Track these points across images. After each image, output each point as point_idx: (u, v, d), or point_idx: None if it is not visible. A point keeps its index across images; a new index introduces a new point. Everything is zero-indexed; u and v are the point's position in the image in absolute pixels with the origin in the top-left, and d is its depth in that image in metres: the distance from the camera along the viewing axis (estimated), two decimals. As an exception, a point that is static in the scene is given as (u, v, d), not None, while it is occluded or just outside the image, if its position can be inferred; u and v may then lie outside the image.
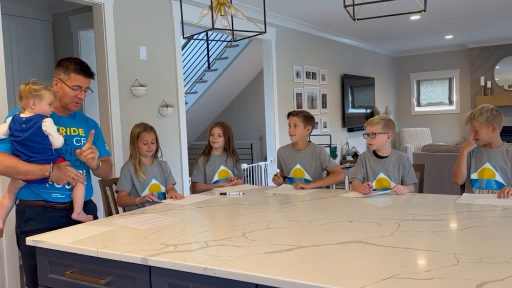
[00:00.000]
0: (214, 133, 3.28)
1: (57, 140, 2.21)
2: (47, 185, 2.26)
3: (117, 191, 2.85)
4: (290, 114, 3.24)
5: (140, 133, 2.85)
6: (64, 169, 2.25)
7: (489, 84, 9.12)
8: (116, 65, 3.85)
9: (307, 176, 3.17)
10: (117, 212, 2.87)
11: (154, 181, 2.86)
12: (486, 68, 9.21)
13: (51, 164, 2.21)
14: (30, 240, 1.96)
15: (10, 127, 2.17)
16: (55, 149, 2.24)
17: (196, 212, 2.46)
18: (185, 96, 5.56)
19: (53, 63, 4.96)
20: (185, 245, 1.76)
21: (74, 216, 2.29)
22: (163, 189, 2.92)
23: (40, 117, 2.18)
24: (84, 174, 2.40)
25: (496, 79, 9.15)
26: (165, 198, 2.92)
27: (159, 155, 3.00)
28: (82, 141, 2.41)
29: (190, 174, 3.44)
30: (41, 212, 2.27)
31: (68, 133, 2.37)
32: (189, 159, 4.64)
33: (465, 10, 6.15)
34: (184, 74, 7.35)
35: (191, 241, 1.83)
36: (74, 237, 1.94)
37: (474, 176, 2.78)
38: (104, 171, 2.49)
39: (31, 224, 2.23)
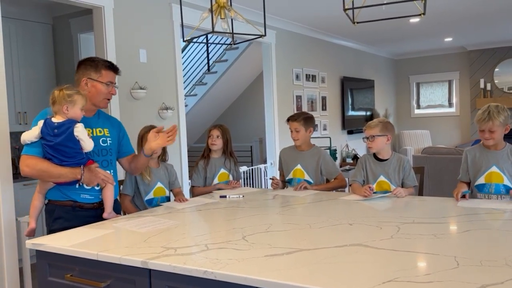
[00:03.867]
0: (212, 134, 3.27)
1: (87, 144, 2.26)
2: (77, 187, 2.31)
3: (121, 194, 2.85)
4: (289, 120, 3.23)
5: (145, 133, 2.85)
6: (95, 171, 2.31)
7: (488, 87, 9.13)
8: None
9: (307, 177, 3.17)
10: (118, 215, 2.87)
11: (159, 184, 2.85)
12: (485, 70, 9.22)
13: (82, 167, 2.26)
14: (30, 243, 1.95)
15: (42, 131, 2.20)
16: (85, 152, 2.28)
17: (196, 215, 2.46)
18: (185, 99, 5.56)
19: (53, 65, 4.97)
20: (185, 248, 1.76)
21: (105, 215, 2.36)
22: (167, 192, 2.92)
23: (72, 122, 2.22)
24: (112, 174, 2.44)
25: (495, 81, 9.16)
26: (169, 201, 2.92)
27: (166, 158, 2.99)
28: (108, 141, 2.46)
29: (190, 177, 3.43)
30: (70, 211, 2.31)
31: (94, 134, 2.42)
32: (189, 161, 4.64)
33: (465, 12, 6.17)
34: (184, 76, 7.35)
35: (191, 244, 1.83)
36: (74, 240, 1.93)
37: (481, 180, 2.67)
38: (142, 164, 2.59)
39: (59, 223, 2.28)
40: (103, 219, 2.36)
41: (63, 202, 2.31)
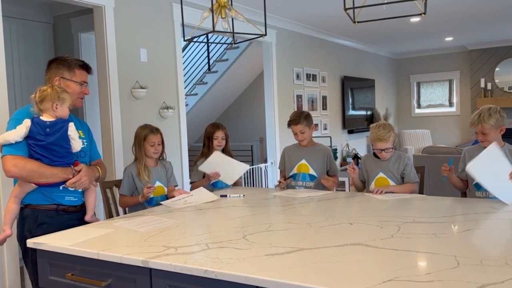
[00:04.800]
0: (218, 136, 3.28)
1: (78, 144, 2.24)
2: (61, 188, 2.27)
3: (120, 195, 2.84)
4: (291, 124, 3.20)
5: (147, 135, 2.83)
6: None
7: (489, 86, 9.13)
8: (116, 67, 3.85)
9: (311, 171, 3.19)
10: (118, 214, 2.87)
11: (158, 183, 2.85)
12: (486, 70, 9.22)
13: (72, 167, 2.23)
14: (30, 242, 1.96)
15: (31, 131, 2.13)
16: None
17: (197, 214, 2.46)
18: (185, 98, 5.57)
19: (54, 65, 4.96)
20: (185, 247, 1.77)
21: (87, 218, 2.33)
22: (167, 190, 2.92)
23: (65, 122, 2.20)
24: None
25: (496, 81, 9.15)
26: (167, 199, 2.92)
27: (164, 156, 2.99)
28: (84, 143, 2.42)
29: (191, 176, 3.45)
30: (54, 215, 2.26)
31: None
32: (189, 160, 4.64)
33: (465, 12, 6.16)
34: (184, 76, 7.35)
35: (192, 243, 1.83)
36: (74, 239, 1.94)
37: None
38: (102, 177, 2.51)
39: (43, 228, 2.20)
40: (86, 223, 2.31)
41: (47, 206, 2.25)
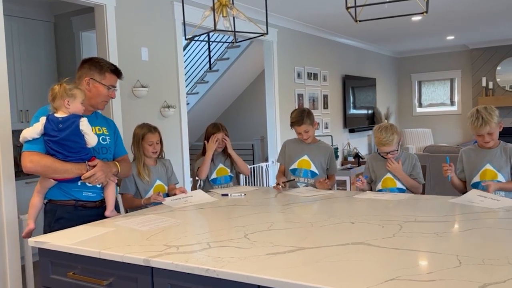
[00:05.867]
0: (219, 138, 3.28)
1: (92, 139, 2.26)
2: (79, 184, 2.30)
3: (121, 194, 2.84)
4: (294, 125, 3.16)
5: (145, 134, 2.82)
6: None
7: (490, 85, 9.12)
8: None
9: (313, 168, 3.17)
10: (118, 213, 2.87)
11: (158, 182, 2.85)
12: (487, 69, 9.21)
13: (87, 162, 2.26)
14: (32, 241, 1.96)
15: (45, 127, 2.19)
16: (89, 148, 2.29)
17: (198, 213, 2.46)
18: (186, 97, 5.57)
19: (55, 64, 4.98)
20: (187, 246, 1.77)
21: (107, 213, 2.37)
22: (167, 189, 2.91)
23: (77, 117, 2.23)
24: None
25: (497, 79, 9.14)
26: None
27: (163, 155, 2.99)
28: (107, 140, 2.48)
29: (192, 175, 3.45)
30: (72, 211, 2.31)
31: (94, 132, 2.40)
32: (190, 159, 4.64)
33: (467, 11, 6.15)
34: (185, 75, 7.35)
35: (193, 242, 1.83)
36: (76, 238, 1.94)
37: (476, 179, 2.71)
38: (123, 173, 2.54)
39: (61, 223, 2.26)
40: (104, 218, 2.35)
41: (65, 201, 2.30)
